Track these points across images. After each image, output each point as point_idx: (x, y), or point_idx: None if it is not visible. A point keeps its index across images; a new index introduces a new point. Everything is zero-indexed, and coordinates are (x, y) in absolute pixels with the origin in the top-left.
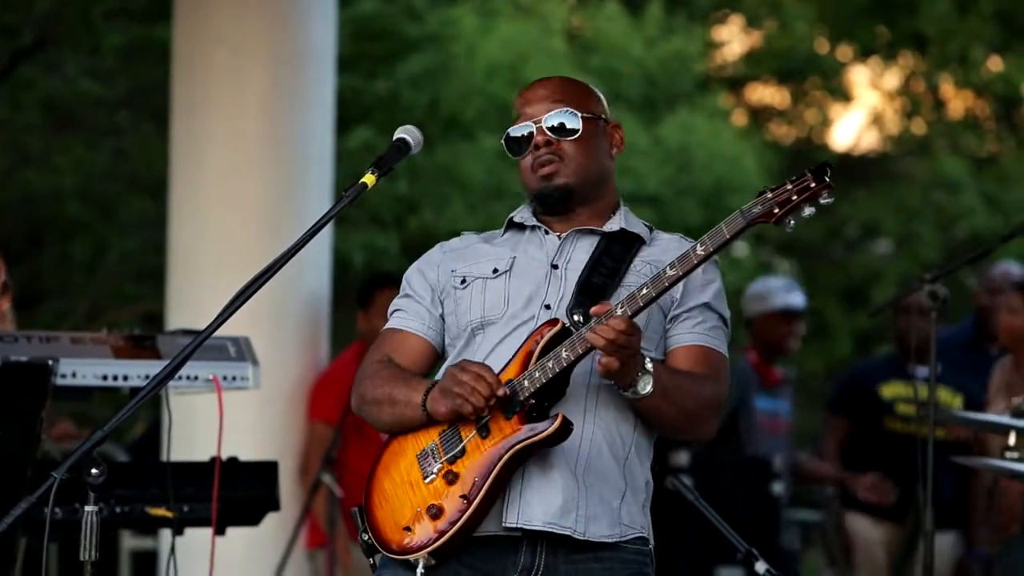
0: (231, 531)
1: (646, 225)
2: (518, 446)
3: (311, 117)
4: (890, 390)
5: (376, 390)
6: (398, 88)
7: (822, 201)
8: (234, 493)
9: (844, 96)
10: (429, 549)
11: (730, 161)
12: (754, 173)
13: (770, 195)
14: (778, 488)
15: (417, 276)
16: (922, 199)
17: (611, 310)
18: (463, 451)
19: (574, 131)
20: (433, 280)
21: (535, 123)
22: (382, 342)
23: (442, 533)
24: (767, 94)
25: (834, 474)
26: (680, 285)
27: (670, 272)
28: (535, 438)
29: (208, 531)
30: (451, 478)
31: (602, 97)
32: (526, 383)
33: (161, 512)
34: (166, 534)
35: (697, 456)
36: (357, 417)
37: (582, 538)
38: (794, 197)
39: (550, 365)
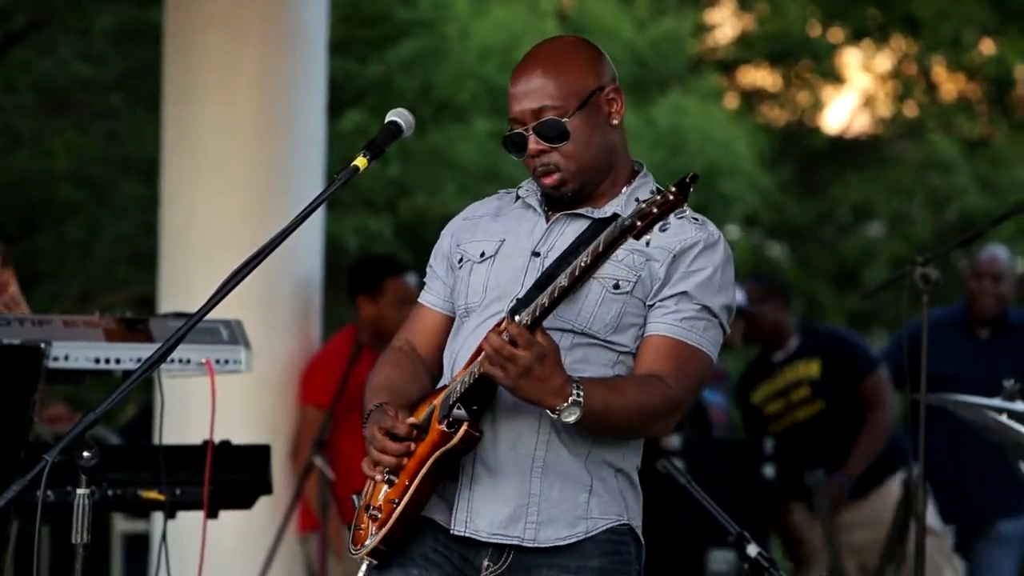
0: (223, 514)
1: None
2: (434, 456)
3: (303, 100)
4: (758, 395)
5: (363, 397)
6: (390, 72)
7: (676, 217)
8: (226, 476)
9: (836, 79)
10: (365, 550)
11: (722, 144)
12: (746, 156)
13: (642, 205)
14: (769, 471)
15: (440, 242)
16: (914, 180)
17: (518, 318)
18: None
19: (564, 136)
20: (446, 249)
21: (525, 131)
22: (410, 317)
23: (376, 536)
24: (759, 77)
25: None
26: (661, 275)
27: (563, 283)
28: (443, 449)
29: (200, 514)
30: (391, 479)
31: (593, 57)
32: (457, 387)
33: (153, 495)
34: (158, 517)
35: (689, 439)
36: (348, 401)
37: (532, 545)
38: (654, 209)
39: (475, 370)
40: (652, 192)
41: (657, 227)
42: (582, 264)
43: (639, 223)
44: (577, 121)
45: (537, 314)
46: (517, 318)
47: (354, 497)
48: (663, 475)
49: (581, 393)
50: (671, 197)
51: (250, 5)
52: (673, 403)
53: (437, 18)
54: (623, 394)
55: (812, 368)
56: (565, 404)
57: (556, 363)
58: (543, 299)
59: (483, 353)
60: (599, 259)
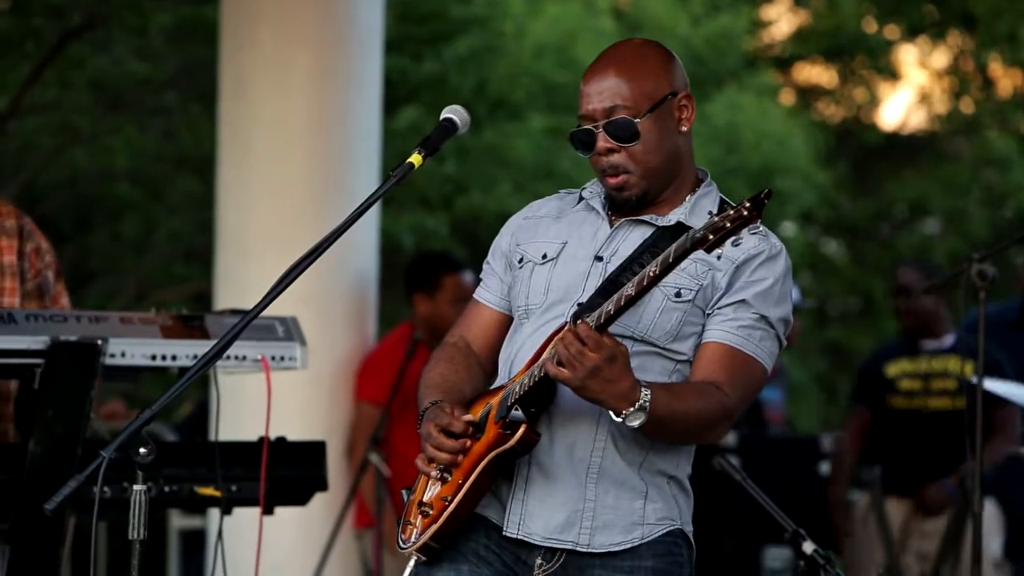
0: (279, 511)
1: (726, 207)
2: (490, 456)
3: (358, 97)
4: (894, 368)
5: (417, 392)
6: (445, 69)
7: (750, 232)
8: (282, 473)
9: (892, 75)
10: (416, 546)
11: (778, 141)
12: (802, 153)
13: (716, 219)
14: (825, 468)
15: (499, 240)
16: (970, 177)
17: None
18: None
19: (634, 136)
20: (505, 248)
21: (595, 127)
22: (464, 314)
23: (424, 531)
24: (815, 73)
25: (839, 475)
26: (722, 285)
27: (629, 291)
28: (500, 450)
29: (256, 511)
30: (444, 477)
31: (668, 61)
32: (517, 388)
33: (209, 491)
34: (214, 513)
35: (744, 436)
36: (404, 398)
37: (585, 550)
38: (727, 224)
39: (536, 372)
40: (716, 202)
41: (729, 241)
42: (650, 274)
43: (711, 236)
44: (648, 123)
45: (602, 321)
46: (580, 323)
47: (404, 492)
48: (719, 472)
49: (648, 398)
50: (745, 212)
51: (306, 2)
52: (728, 412)
53: (492, 15)
54: (685, 401)
55: (967, 369)
56: (632, 409)
57: (626, 366)
58: (609, 306)
59: (544, 356)
60: (668, 269)
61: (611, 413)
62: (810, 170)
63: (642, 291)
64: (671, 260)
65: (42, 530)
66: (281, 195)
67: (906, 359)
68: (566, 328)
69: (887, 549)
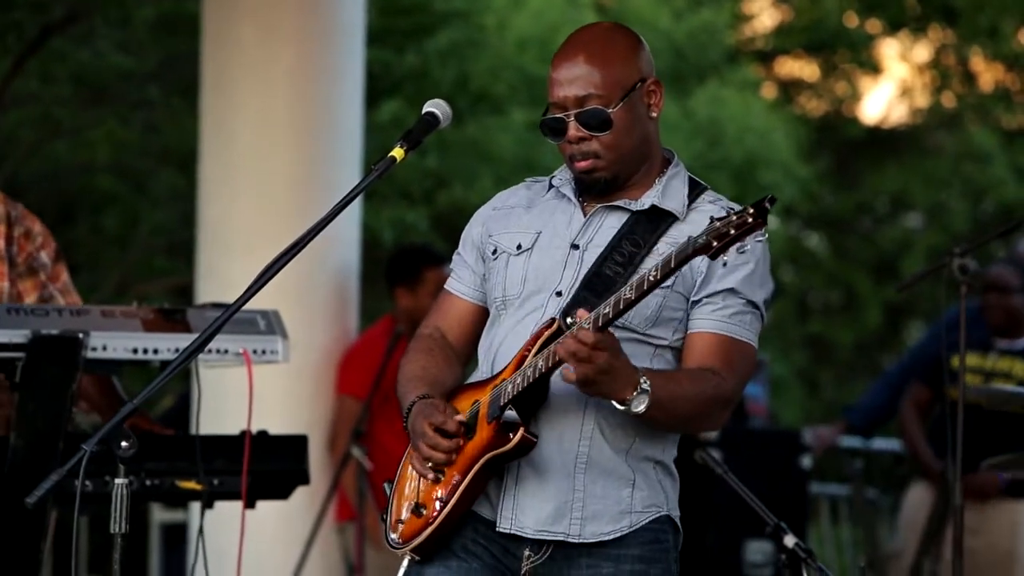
0: (261, 504)
1: (697, 186)
2: (485, 457)
3: (340, 90)
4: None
5: (397, 384)
6: (427, 62)
7: (758, 239)
8: (264, 467)
9: (874, 69)
10: (410, 546)
11: (760, 135)
12: (784, 147)
13: (718, 224)
14: (806, 461)
15: (468, 230)
16: (952, 171)
17: (581, 322)
18: None
19: (606, 124)
20: (476, 238)
21: (566, 117)
22: (437, 305)
23: (419, 532)
24: (796, 67)
25: (916, 443)
26: (703, 269)
27: (628, 294)
28: (496, 452)
29: (238, 504)
30: (436, 476)
31: (637, 47)
32: (509, 388)
33: (191, 485)
34: (196, 507)
35: (726, 430)
36: (385, 391)
37: (577, 541)
38: (732, 231)
39: (528, 373)
40: (686, 182)
41: (689, 212)
42: (650, 278)
43: (715, 243)
44: (620, 111)
45: (600, 324)
46: (576, 326)
47: (386, 485)
48: (700, 466)
49: (648, 381)
50: (750, 220)
51: None
52: (726, 395)
53: (474, 8)
54: (680, 384)
55: None
56: (635, 392)
57: (625, 358)
58: (607, 309)
59: (532, 357)
60: (669, 274)
61: (615, 403)
62: (792, 164)
63: (642, 295)
64: (672, 265)
65: (23, 524)
66: (263, 189)
67: (975, 352)
68: (566, 334)
69: (867, 536)
